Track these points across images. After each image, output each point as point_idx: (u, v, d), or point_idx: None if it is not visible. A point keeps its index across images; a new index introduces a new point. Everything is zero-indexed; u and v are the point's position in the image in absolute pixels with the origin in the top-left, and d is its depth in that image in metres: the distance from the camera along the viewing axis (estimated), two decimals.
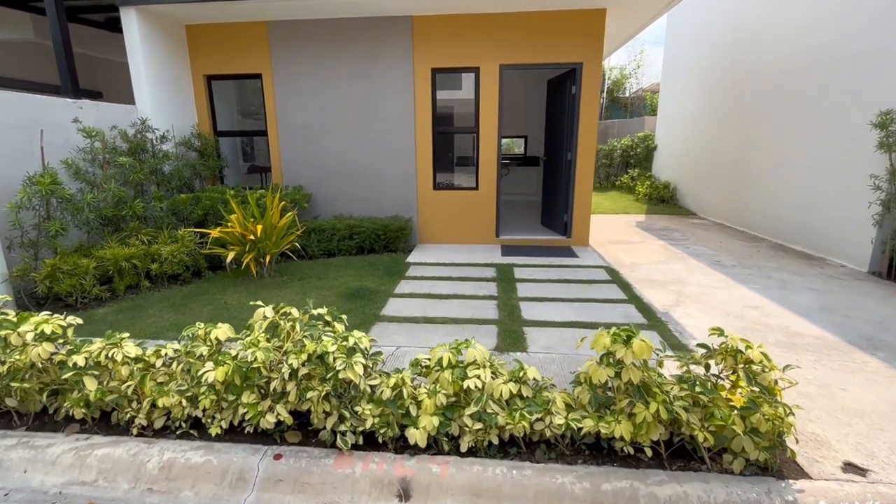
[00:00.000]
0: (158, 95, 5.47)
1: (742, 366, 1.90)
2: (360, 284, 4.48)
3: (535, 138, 10.25)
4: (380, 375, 2.12)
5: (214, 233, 4.46)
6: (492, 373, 2.06)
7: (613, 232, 7.27)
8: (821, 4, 5.78)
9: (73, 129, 4.41)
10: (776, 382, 1.91)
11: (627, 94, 17.86)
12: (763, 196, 6.84)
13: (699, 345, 2.10)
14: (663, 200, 9.87)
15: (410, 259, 5.46)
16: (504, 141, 8.95)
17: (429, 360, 2.16)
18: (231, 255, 4.35)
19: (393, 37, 5.65)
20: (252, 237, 4.36)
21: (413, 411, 2.02)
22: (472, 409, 1.97)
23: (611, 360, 1.91)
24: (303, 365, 1.98)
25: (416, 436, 1.94)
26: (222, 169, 6.23)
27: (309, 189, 6.13)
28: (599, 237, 6.72)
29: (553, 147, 6.64)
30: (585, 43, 5.49)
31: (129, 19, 5.25)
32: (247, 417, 2.07)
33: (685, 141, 9.67)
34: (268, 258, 4.50)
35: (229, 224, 4.48)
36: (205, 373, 2.05)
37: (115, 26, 6.85)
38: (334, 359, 1.95)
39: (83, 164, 4.44)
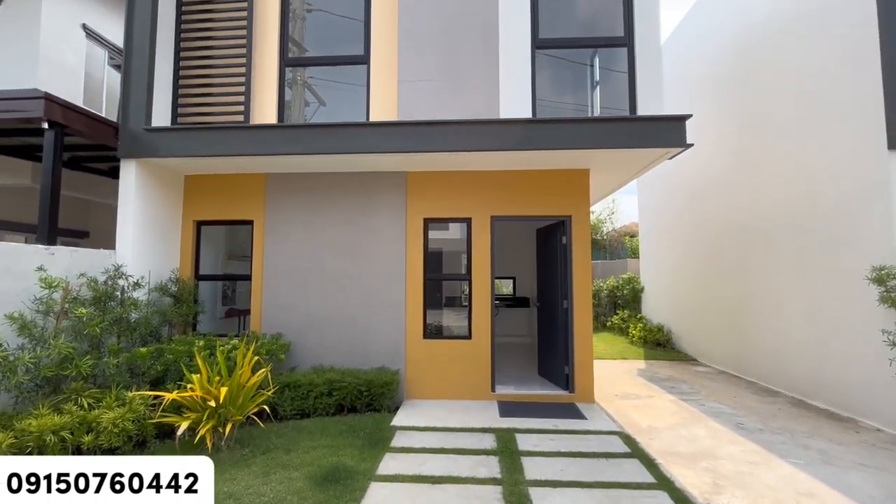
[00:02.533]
0: (142, 240, 5.31)
1: None
2: (336, 461, 3.73)
3: (524, 279, 10.29)
4: None
5: (170, 397, 3.83)
6: None
7: (616, 382, 6.74)
8: (780, 168, 6.31)
9: (37, 278, 4.06)
10: None
11: (605, 237, 18.88)
12: (766, 345, 6.58)
13: None
14: (659, 344, 9.55)
15: (397, 421, 4.76)
16: None
17: None
18: (184, 426, 3.66)
19: (387, 190, 5.83)
20: (213, 403, 3.73)
21: None
22: None
23: None
24: None
25: None
26: (196, 315, 5.80)
27: (289, 337, 5.65)
28: (603, 389, 6.16)
29: (547, 294, 6.48)
30: (573, 198, 5.71)
31: (129, 169, 5.33)
32: None
33: (673, 285, 9.77)
34: (228, 427, 3.80)
35: (190, 386, 3.88)
36: None
37: (116, 174, 7.08)
38: None
39: (35, 317, 3.99)
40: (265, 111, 5.72)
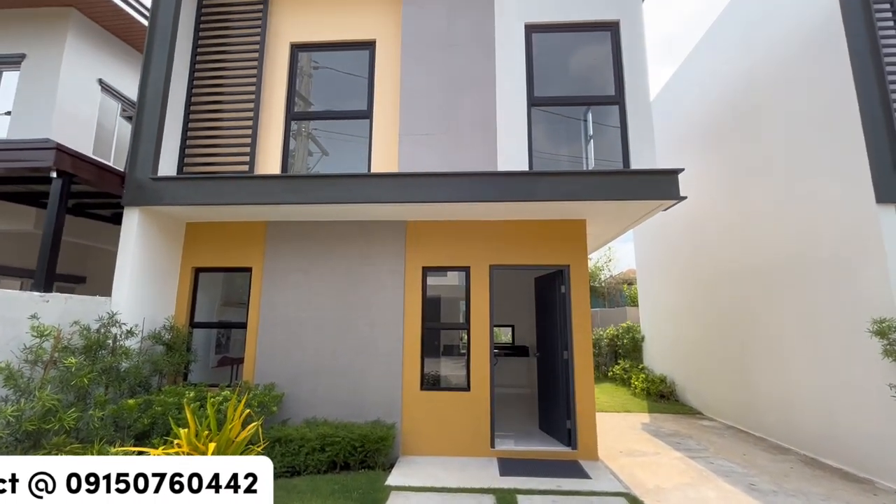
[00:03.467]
0: (139, 287, 5.28)
1: None
2: None
3: (523, 327, 10.17)
4: None
5: (155, 454, 3.66)
6: None
7: (620, 437, 6.49)
8: (775, 219, 6.44)
9: (29, 326, 3.99)
10: None
11: (603, 284, 18.88)
12: (773, 398, 6.41)
13: None
14: (663, 396, 9.29)
15: (392, 481, 4.53)
16: None
17: None
18: None
19: (387, 238, 5.88)
20: None
21: None
22: None
23: None
24: None
25: None
26: (189, 364, 5.66)
27: (282, 387, 5.49)
28: (607, 444, 5.92)
29: (546, 344, 6.39)
30: (570, 248, 5.76)
31: (132, 216, 5.40)
32: None
33: (674, 334, 9.65)
34: None
35: (177, 441, 3.72)
36: None
37: (119, 219, 7.16)
38: None
39: (23, 366, 3.88)
40: (269, 161, 5.89)
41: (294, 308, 5.77)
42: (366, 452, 4.84)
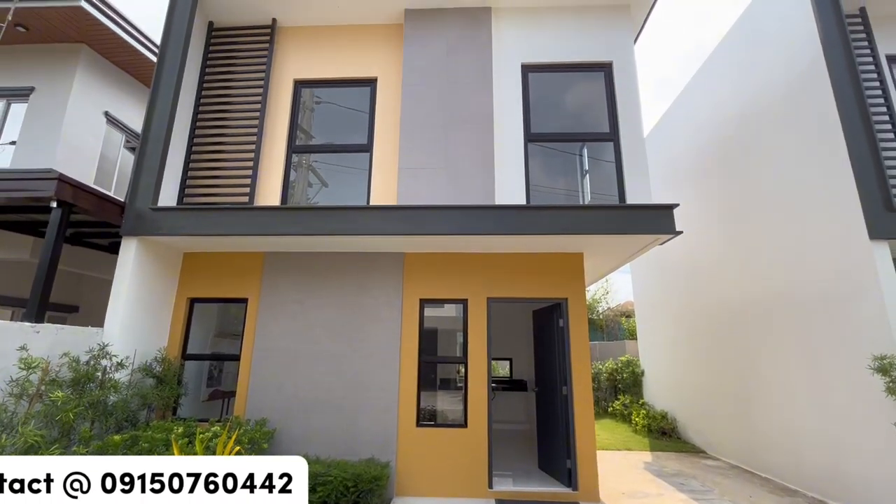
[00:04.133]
0: (132, 318, 5.21)
1: None
2: None
3: (521, 360, 10.02)
4: None
5: None
6: None
7: (622, 477, 6.28)
8: (771, 254, 6.48)
9: (17, 357, 3.91)
10: None
11: (601, 316, 18.73)
12: (777, 436, 6.26)
13: None
14: (665, 433, 9.07)
15: None
16: None
17: None
18: None
19: (384, 270, 5.87)
20: None
21: None
22: None
23: None
24: None
25: None
26: (179, 398, 5.52)
27: (274, 422, 5.34)
28: (608, 484, 5.72)
29: (545, 378, 6.29)
30: (568, 281, 5.76)
31: (129, 246, 5.39)
32: None
33: (674, 369, 9.53)
34: None
35: None
36: None
37: (116, 248, 7.13)
38: None
39: (8, 400, 3.78)
40: (270, 193, 5.95)
41: (289, 340, 5.68)
42: (359, 493, 4.65)
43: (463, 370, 5.71)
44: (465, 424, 5.43)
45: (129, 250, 5.36)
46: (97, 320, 5.21)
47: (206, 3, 6.28)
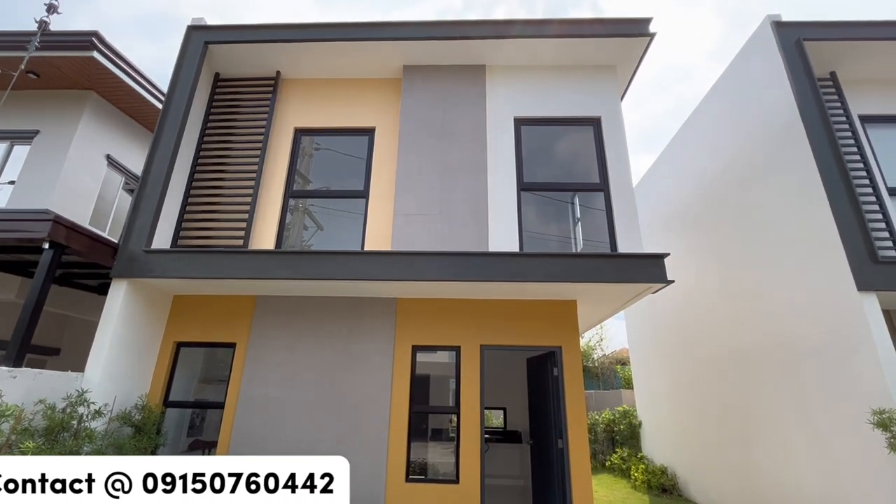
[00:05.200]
0: (115, 363, 5.06)
1: None
2: None
3: (515, 410, 9.73)
4: None
5: None
6: None
7: None
8: (762, 305, 6.52)
9: None
10: None
11: (596, 363, 18.46)
12: (779, 494, 6.03)
13: None
14: (665, 490, 8.70)
15: None
16: None
17: None
18: None
19: (377, 315, 5.81)
20: None
21: None
22: None
23: None
24: None
25: None
26: (157, 448, 5.25)
27: None
28: None
29: (539, 430, 6.10)
30: (562, 329, 5.72)
31: (118, 288, 5.32)
32: None
33: (672, 421, 9.29)
34: None
35: None
36: None
37: (105, 290, 7.02)
38: None
39: None
40: (265, 236, 5.98)
41: (276, 387, 5.51)
42: None
43: (455, 420, 5.53)
44: (456, 480, 5.19)
45: (119, 292, 5.29)
46: (78, 364, 5.05)
47: (214, 57, 6.59)
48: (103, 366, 4.91)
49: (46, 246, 4.97)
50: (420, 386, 5.87)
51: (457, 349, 5.70)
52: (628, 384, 13.85)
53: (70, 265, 6.22)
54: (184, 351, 5.98)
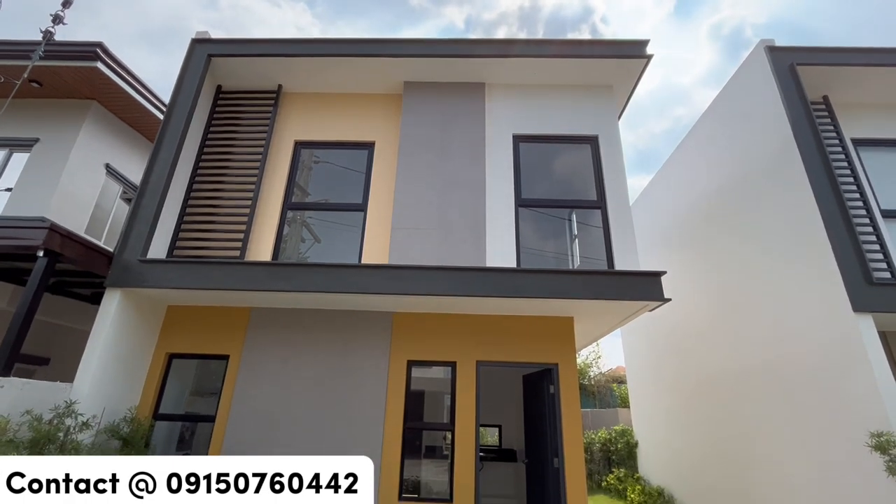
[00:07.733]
0: (105, 374, 4.98)
1: None
2: None
3: (510, 427, 9.60)
4: None
5: None
6: None
7: None
8: (759, 325, 6.51)
9: None
10: None
11: (593, 381, 18.31)
12: None
13: None
14: None
15: None
16: None
17: None
18: None
19: (372, 329, 5.76)
20: None
21: None
22: None
23: None
24: None
25: None
26: None
27: None
28: None
29: (535, 449, 6.02)
30: (559, 345, 5.68)
31: (112, 298, 5.28)
32: None
33: (669, 441, 9.19)
34: None
35: None
36: None
37: (98, 299, 6.95)
38: None
39: None
40: (262, 248, 5.96)
41: (269, 402, 5.43)
42: None
43: (450, 437, 5.45)
44: (450, 499, 5.09)
45: (112, 301, 5.24)
46: (68, 374, 4.96)
47: (217, 69, 6.66)
48: (93, 376, 4.83)
49: (41, 254, 4.93)
50: (415, 402, 5.79)
51: (452, 365, 5.65)
52: (625, 402, 13.73)
53: (64, 273, 6.16)
54: (176, 362, 5.90)
